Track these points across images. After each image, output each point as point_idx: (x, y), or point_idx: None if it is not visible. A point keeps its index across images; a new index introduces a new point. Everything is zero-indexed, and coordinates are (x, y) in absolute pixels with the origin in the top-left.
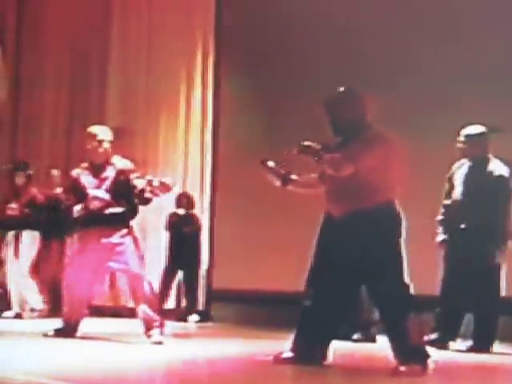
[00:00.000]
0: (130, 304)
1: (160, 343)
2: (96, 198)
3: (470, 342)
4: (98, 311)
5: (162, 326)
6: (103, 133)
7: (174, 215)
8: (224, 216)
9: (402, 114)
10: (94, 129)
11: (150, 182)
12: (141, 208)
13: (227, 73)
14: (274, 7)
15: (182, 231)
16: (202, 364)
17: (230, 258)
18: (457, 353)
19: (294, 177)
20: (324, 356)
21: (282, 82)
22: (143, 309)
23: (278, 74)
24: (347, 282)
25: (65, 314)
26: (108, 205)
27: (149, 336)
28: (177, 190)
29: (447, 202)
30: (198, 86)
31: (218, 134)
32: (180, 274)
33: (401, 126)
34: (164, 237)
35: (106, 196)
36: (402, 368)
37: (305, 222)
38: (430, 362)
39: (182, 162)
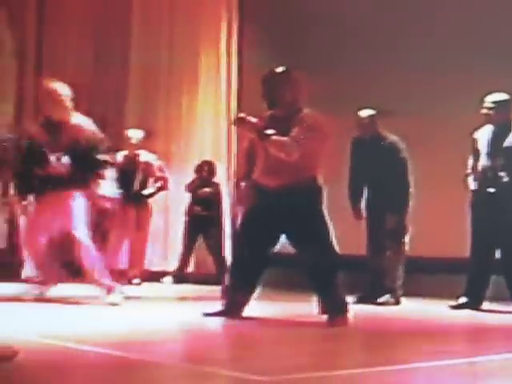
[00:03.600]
0: None
1: (115, 304)
2: (60, 165)
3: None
4: None
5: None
6: (63, 89)
7: (193, 181)
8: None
9: (420, 82)
10: (53, 84)
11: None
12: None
13: (251, 42)
14: None
15: (201, 196)
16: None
17: None
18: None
19: (269, 131)
20: (244, 305)
21: (307, 52)
22: (91, 273)
23: (302, 43)
24: (271, 243)
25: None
26: (70, 171)
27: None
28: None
29: (474, 167)
30: (223, 55)
31: (242, 102)
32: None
33: (420, 95)
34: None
35: (68, 162)
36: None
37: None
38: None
39: (206, 129)
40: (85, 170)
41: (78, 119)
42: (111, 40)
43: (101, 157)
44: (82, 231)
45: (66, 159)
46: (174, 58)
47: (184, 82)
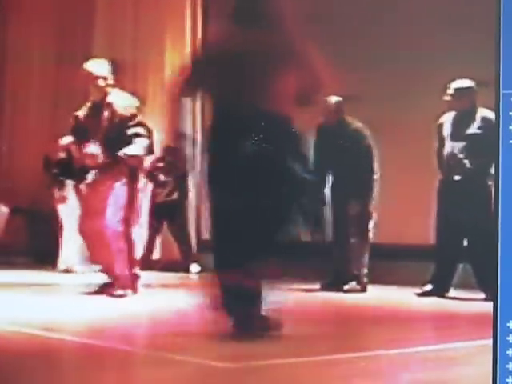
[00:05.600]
0: None
1: (122, 296)
2: (90, 155)
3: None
4: None
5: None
6: (98, 68)
7: (154, 165)
8: None
9: (384, 68)
10: (88, 65)
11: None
12: None
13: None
14: None
15: (164, 181)
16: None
17: None
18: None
19: None
20: None
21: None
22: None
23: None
24: None
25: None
26: (102, 159)
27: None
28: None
29: (439, 153)
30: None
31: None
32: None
33: (384, 81)
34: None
35: (99, 152)
36: None
37: None
38: None
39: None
40: (116, 149)
41: (113, 97)
42: (74, 39)
43: (131, 131)
44: (111, 217)
45: (93, 148)
46: (138, 56)
47: (149, 81)
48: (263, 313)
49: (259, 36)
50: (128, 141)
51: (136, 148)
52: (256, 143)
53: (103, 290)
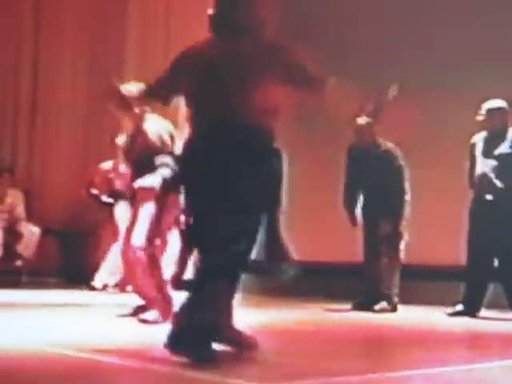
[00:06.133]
0: None
1: (145, 321)
2: (121, 175)
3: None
4: None
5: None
6: (134, 91)
7: None
8: None
9: (423, 86)
10: (123, 88)
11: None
12: None
13: None
14: None
15: None
16: None
17: None
18: (486, 321)
19: None
20: None
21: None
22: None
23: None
24: None
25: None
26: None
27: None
28: None
29: (472, 174)
30: None
31: None
32: None
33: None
34: None
35: (127, 173)
36: None
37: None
38: None
39: None
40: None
41: (148, 123)
42: (107, 45)
43: (159, 160)
44: (138, 238)
45: (124, 169)
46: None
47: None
48: (236, 329)
49: (238, 47)
50: (154, 170)
51: (152, 180)
52: (221, 155)
53: (136, 312)
